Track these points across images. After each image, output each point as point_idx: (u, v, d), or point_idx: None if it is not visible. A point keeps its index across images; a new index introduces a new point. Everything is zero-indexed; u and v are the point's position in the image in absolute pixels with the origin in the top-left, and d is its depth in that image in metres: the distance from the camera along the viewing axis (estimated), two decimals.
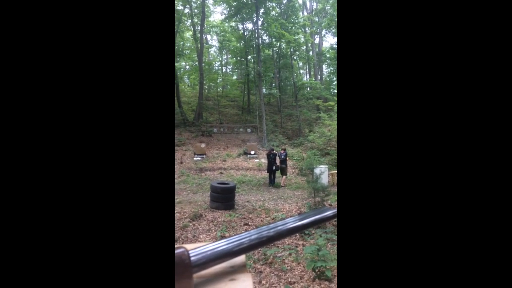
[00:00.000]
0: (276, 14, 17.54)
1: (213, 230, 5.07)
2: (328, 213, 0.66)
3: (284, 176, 8.95)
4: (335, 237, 4.73)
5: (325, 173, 7.92)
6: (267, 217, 5.79)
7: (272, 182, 8.82)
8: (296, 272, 3.62)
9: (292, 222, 0.61)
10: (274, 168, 8.83)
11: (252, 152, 13.08)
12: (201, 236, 4.82)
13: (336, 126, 13.14)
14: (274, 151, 9.07)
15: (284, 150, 9.35)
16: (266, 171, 9.31)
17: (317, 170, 7.23)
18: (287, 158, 9.04)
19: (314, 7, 22.60)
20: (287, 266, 3.79)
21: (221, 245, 0.54)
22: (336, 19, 17.03)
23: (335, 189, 7.76)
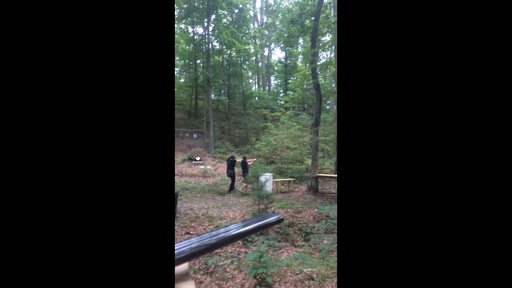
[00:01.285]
0: (228, 22, 17.71)
1: None
2: (272, 218, 0.67)
3: (245, 184, 8.88)
4: (277, 243, 4.86)
5: (269, 180, 8.13)
6: (210, 225, 5.66)
7: (231, 188, 8.86)
8: (238, 280, 3.60)
9: (235, 229, 0.60)
10: (228, 174, 8.85)
11: (198, 158, 12.74)
12: None
13: (281, 136, 13.70)
14: (233, 159, 9.01)
15: (244, 157, 9.34)
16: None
17: (262, 178, 7.38)
18: (248, 165, 9.01)
19: (265, 20, 23.53)
20: (229, 275, 3.75)
21: None
22: (285, 35, 17.97)
23: (279, 196, 8.02)
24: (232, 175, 8.83)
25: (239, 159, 9.39)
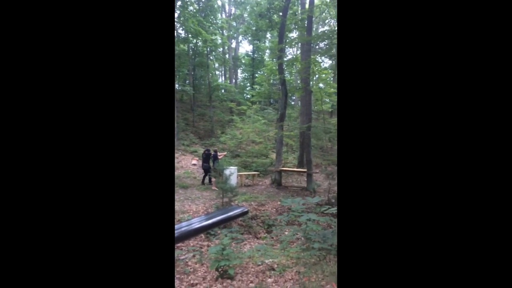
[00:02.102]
0: (194, 10, 17.10)
1: None
2: (237, 211, 0.67)
3: (214, 178, 8.70)
4: (240, 236, 4.90)
5: (234, 174, 8.14)
6: None
7: (202, 182, 8.75)
8: (199, 273, 3.57)
9: (197, 223, 0.59)
10: (203, 168, 8.88)
11: None
12: None
13: (247, 130, 13.73)
14: (208, 152, 8.81)
15: (215, 151, 9.15)
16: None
17: (227, 171, 7.35)
18: (218, 159, 8.86)
19: (233, 11, 23.15)
20: (190, 268, 3.70)
21: None
22: (253, 28, 17.87)
23: (243, 189, 8.07)
24: (207, 168, 8.69)
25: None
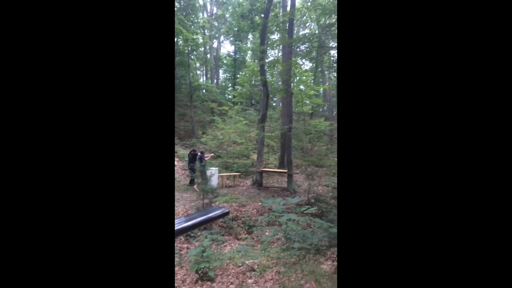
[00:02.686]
0: (175, 9, 16.79)
1: None
2: (218, 212, 0.66)
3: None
4: (220, 237, 4.87)
5: (215, 175, 8.07)
6: None
7: (191, 183, 8.55)
8: (179, 276, 3.51)
9: (177, 224, 0.58)
10: (189, 168, 8.73)
11: None
12: None
13: (228, 131, 13.66)
14: (194, 152, 8.65)
15: (202, 152, 8.99)
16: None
17: (208, 172, 7.28)
18: (205, 160, 8.71)
19: (215, 11, 22.98)
20: None
21: None
22: (235, 29, 17.84)
23: (224, 190, 8.02)
24: (194, 169, 8.56)
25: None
